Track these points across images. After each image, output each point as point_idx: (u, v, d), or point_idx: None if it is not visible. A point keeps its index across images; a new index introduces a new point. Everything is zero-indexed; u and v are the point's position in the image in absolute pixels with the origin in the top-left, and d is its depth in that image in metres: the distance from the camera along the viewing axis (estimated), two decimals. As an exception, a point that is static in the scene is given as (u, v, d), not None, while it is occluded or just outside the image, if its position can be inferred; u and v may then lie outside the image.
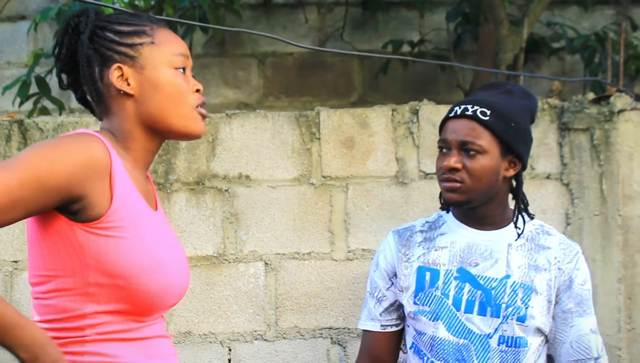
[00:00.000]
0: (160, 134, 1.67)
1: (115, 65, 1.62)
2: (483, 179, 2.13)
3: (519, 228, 2.19)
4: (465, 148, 2.13)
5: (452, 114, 2.18)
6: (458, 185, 2.13)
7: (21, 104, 3.59)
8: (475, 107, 2.14)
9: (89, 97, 1.67)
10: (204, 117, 1.68)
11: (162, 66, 1.64)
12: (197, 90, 1.67)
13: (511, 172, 2.18)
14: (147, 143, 1.66)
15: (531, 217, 2.25)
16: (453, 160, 2.13)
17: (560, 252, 2.20)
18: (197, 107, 1.66)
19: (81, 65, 1.64)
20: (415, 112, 2.86)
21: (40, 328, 1.52)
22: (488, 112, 2.13)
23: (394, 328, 2.32)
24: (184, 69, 1.66)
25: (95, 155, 1.53)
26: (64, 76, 1.70)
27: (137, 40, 1.64)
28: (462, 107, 2.16)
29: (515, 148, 2.15)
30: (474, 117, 2.13)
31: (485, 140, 2.12)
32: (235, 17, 4.06)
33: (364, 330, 2.35)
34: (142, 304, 1.58)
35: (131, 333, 1.60)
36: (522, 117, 2.18)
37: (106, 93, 1.64)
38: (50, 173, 1.47)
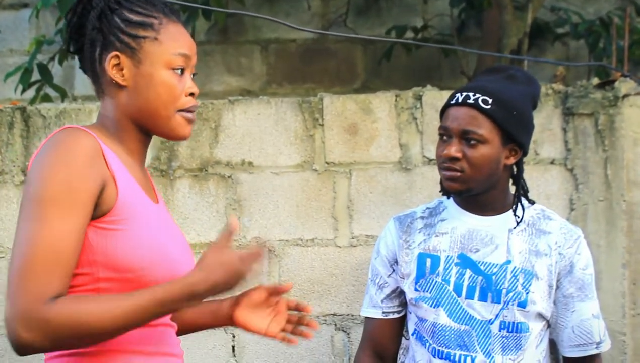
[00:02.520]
0: (145, 129, 1.65)
1: (114, 53, 1.60)
2: (483, 168, 2.12)
3: (518, 216, 2.18)
4: (466, 137, 2.11)
5: (454, 101, 2.16)
6: (458, 174, 2.12)
7: (23, 91, 3.59)
8: (477, 95, 2.12)
9: (87, 75, 1.66)
10: (190, 121, 1.64)
11: (159, 65, 1.61)
12: (192, 94, 1.64)
13: (512, 160, 2.17)
14: (138, 134, 1.64)
15: (531, 202, 2.24)
16: (453, 149, 2.12)
17: (561, 236, 2.20)
18: (183, 111, 1.63)
19: (85, 41, 1.63)
20: (419, 98, 2.84)
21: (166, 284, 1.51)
22: (490, 101, 2.11)
23: (396, 315, 2.31)
24: (183, 69, 1.63)
25: (87, 145, 1.51)
26: (72, 42, 1.67)
27: (141, 32, 1.61)
28: (464, 94, 2.14)
29: (517, 137, 2.13)
30: (475, 106, 2.11)
31: (486, 129, 2.11)
32: (238, 3, 4.04)
33: (366, 317, 2.35)
34: None
35: None
36: (525, 105, 2.16)
37: (102, 76, 1.63)
38: (68, 193, 1.47)
